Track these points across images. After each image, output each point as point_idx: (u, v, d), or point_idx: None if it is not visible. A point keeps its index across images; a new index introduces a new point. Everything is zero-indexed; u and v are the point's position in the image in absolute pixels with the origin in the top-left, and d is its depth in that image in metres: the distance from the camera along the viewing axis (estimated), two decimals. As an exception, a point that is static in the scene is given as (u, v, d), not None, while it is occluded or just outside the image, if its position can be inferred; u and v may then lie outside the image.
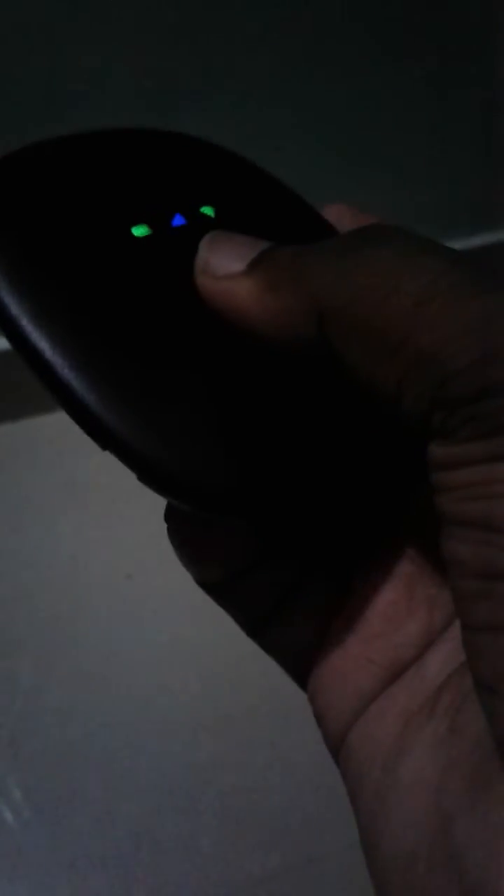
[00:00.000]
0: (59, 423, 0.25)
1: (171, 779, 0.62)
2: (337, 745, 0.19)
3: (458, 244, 0.79)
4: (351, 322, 0.15)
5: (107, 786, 0.62)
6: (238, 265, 0.17)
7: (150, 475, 0.17)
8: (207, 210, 0.20)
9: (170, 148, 0.21)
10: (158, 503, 0.19)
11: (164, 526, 0.20)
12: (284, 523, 0.20)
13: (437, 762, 0.16)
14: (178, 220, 0.19)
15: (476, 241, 0.78)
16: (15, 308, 0.18)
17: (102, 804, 0.61)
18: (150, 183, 0.20)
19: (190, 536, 0.19)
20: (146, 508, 0.34)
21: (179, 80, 0.66)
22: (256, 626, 0.20)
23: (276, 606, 0.20)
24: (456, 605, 0.15)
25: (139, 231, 0.19)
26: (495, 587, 0.14)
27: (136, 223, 0.19)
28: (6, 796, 0.61)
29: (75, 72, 0.63)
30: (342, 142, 0.71)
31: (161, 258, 0.19)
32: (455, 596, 0.15)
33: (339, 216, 0.20)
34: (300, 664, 0.20)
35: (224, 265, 0.17)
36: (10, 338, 0.18)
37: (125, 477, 0.18)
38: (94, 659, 0.67)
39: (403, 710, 0.18)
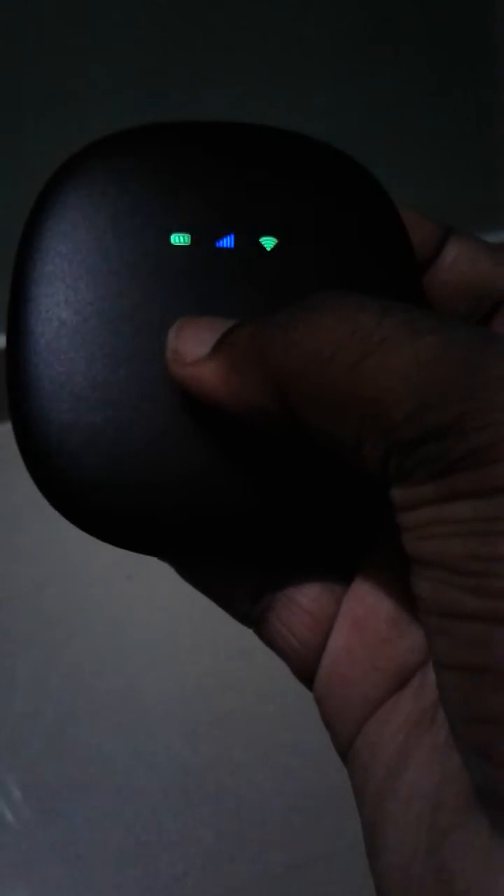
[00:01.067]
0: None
1: (170, 779, 0.62)
2: (345, 750, 0.19)
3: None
4: (305, 390, 0.15)
5: (107, 786, 0.62)
6: (202, 349, 0.17)
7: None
8: (268, 241, 0.19)
9: (286, 154, 0.20)
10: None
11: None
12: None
13: (434, 773, 0.16)
14: (227, 242, 0.19)
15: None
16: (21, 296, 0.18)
17: (102, 804, 0.61)
18: (233, 190, 0.19)
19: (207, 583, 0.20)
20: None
21: (178, 81, 0.66)
22: (245, 618, 0.21)
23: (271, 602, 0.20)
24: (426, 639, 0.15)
25: (178, 239, 0.19)
26: (451, 626, 0.14)
27: (183, 230, 0.19)
28: (6, 796, 0.61)
29: (75, 71, 0.63)
30: (341, 142, 0.71)
31: (180, 274, 0.18)
32: (424, 631, 0.15)
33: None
34: (303, 664, 0.20)
35: (190, 351, 0.17)
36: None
37: (125, 477, 0.18)
38: (94, 659, 0.67)
39: (408, 716, 0.18)
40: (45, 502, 0.19)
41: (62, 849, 0.60)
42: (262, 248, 0.19)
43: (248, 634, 0.21)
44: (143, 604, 0.69)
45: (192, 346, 0.17)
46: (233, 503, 0.18)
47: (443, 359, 0.14)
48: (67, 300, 0.18)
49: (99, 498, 0.18)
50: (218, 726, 0.64)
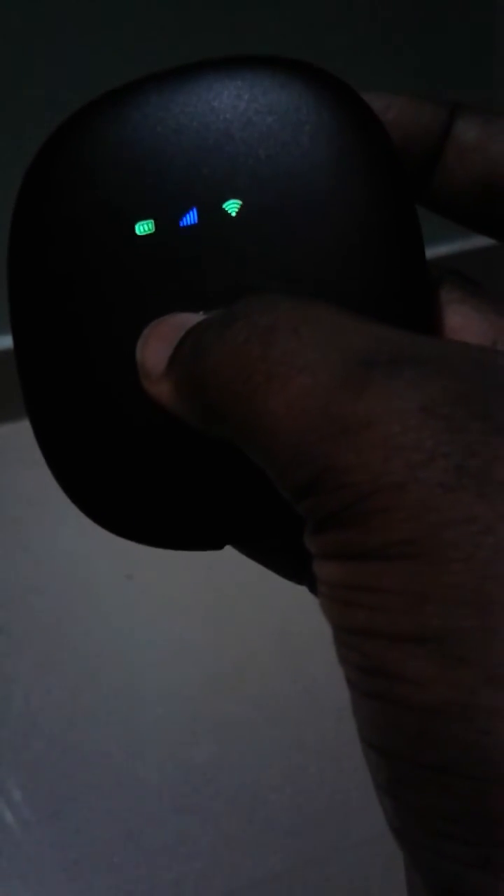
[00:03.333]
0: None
1: (170, 779, 0.62)
2: None
3: (458, 244, 0.79)
4: (228, 422, 0.15)
5: (107, 787, 0.62)
6: (160, 366, 0.17)
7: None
8: (231, 206, 0.17)
9: (248, 91, 0.18)
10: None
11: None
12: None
13: None
14: (190, 218, 0.17)
15: (476, 241, 0.78)
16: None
17: (102, 804, 0.61)
18: (189, 157, 0.17)
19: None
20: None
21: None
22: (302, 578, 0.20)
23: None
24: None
25: (142, 228, 0.18)
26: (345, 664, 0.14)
27: (145, 216, 0.17)
28: (6, 797, 0.61)
29: (75, 71, 0.63)
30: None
31: (148, 268, 0.18)
32: None
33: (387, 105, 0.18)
34: None
35: (152, 368, 0.17)
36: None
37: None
38: (95, 659, 0.67)
39: None
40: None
41: (62, 850, 0.60)
42: (226, 214, 0.17)
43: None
44: (143, 603, 0.69)
45: (154, 362, 0.17)
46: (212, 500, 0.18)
47: (312, 406, 0.13)
48: (57, 301, 0.18)
49: (106, 487, 0.18)
50: (218, 727, 0.64)
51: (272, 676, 0.60)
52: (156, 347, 0.17)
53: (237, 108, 0.18)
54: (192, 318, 0.17)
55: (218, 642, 0.65)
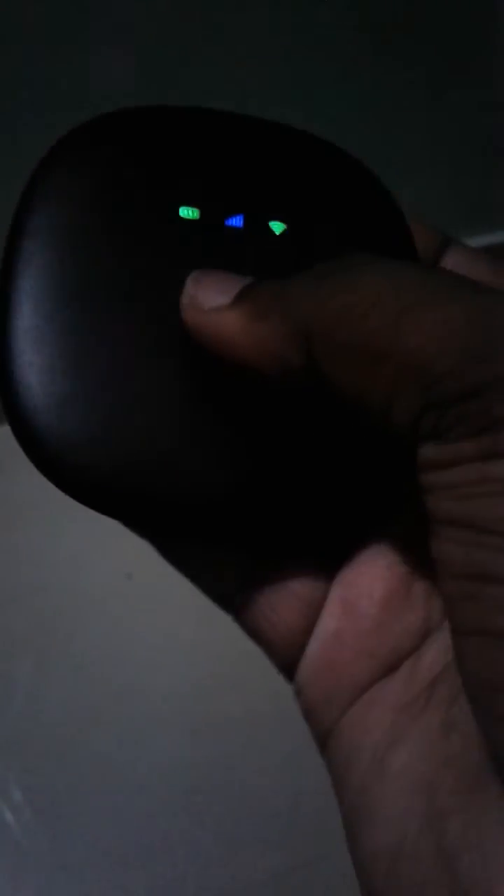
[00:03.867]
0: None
1: (170, 778, 0.62)
2: (326, 738, 0.19)
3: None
4: (337, 342, 0.15)
5: (107, 786, 0.62)
6: (223, 298, 0.17)
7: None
8: (276, 226, 0.19)
9: (294, 148, 0.20)
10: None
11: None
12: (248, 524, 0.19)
13: (429, 756, 0.16)
14: (236, 221, 0.19)
15: (476, 240, 0.78)
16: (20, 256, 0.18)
17: (103, 805, 0.61)
18: (243, 176, 0.19)
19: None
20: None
21: (175, 81, 0.66)
22: (226, 600, 0.20)
23: (249, 583, 0.20)
24: (445, 606, 0.15)
25: (187, 212, 0.18)
26: (481, 589, 0.14)
27: (193, 204, 0.18)
28: (6, 797, 0.61)
29: (74, 71, 0.63)
30: (340, 142, 0.71)
31: (187, 246, 0.18)
32: (444, 597, 0.15)
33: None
34: (288, 650, 0.20)
35: (210, 299, 0.17)
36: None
37: (125, 476, 0.18)
38: (94, 659, 0.67)
39: (398, 700, 0.18)
40: (44, 502, 0.19)
41: (62, 850, 0.60)
42: (270, 231, 0.19)
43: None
44: (143, 602, 0.69)
45: (213, 294, 0.17)
46: (226, 479, 0.18)
47: (490, 317, 0.14)
48: (64, 265, 0.18)
49: (81, 459, 0.18)
50: (219, 726, 0.64)
51: (272, 676, 0.60)
52: (216, 282, 0.17)
53: (299, 151, 0.19)
54: (246, 278, 0.17)
55: (218, 641, 0.65)
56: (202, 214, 0.18)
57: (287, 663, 0.20)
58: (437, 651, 0.18)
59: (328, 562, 0.19)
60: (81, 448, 0.17)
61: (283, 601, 0.19)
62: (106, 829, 0.60)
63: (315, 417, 0.17)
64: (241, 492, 0.17)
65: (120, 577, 0.70)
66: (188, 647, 0.67)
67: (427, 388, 0.14)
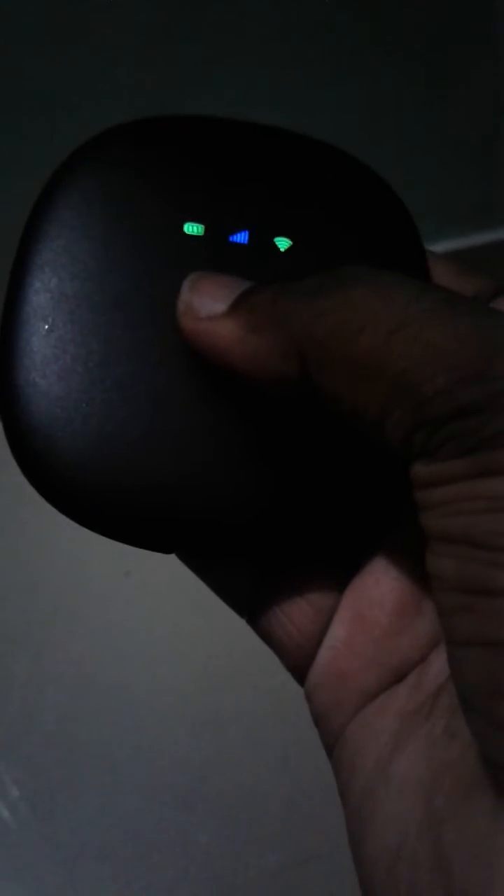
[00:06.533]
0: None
1: (169, 776, 0.62)
2: (334, 742, 0.19)
3: (457, 244, 0.79)
4: (331, 356, 0.15)
5: (105, 783, 0.62)
6: (220, 306, 0.17)
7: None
8: (282, 242, 0.19)
9: (303, 158, 0.19)
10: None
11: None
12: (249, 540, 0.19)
13: (431, 762, 0.16)
14: (241, 238, 0.18)
15: (476, 240, 0.78)
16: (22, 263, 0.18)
17: (100, 802, 0.61)
18: (250, 189, 0.19)
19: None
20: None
21: (174, 81, 0.66)
22: (244, 608, 0.20)
23: (267, 591, 0.20)
24: (439, 617, 0.15)
25: (191, 229, 0.18)
26: (475, 602, 0.14)
27: (197, 220, 0.18)
28: (3, 794, 0.61)
29: (74, 71, 0.63)
30: (340, 142, 0.71)
31: (190, 262, 0.18)
32: (438, 609, 0.15)
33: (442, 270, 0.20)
34: (300, 656, 0.20)
35: (206, 306, 0.17)
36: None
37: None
38: (93, 657, 0.67)
39: (403, 707, 0.18)
40: (41, 500, 0.19)
41: (59, 848, 0.60)
42: (275, 248, 0.18)
43: (248, 632, 0.21)
44: (141, 601, 0.69)
45: (209, 301, 0.17)
46: (238, 498, 0.18)
47: (481, 337, 0.14)
48: (70, 278, 0.18)
49: (86, 485, 0.17)
50: (217, 724, 0.64)
51: (271, 673, 0.60)
52: (212, 288, 0.17)
53: (309, 162, 0.19)
54: (245, 282, 0.17)
55: (216, 639, 0.65)
56: (207, 230, 0.18)
57: (298, 668, 0.20)
58: (444, 660, 0.18)
59: (340, 570, 0.20)
60: (87, 477, 0.17)
61: (295, 608, 0.19)
62: (102, 826, 0.60)
63: (318, 427, 0.17)
64: (252, 510, 0.17)
65: (118, 574, 0.71)
66: (186, 644, 0.67)
67: (418, 406, 0.14)
